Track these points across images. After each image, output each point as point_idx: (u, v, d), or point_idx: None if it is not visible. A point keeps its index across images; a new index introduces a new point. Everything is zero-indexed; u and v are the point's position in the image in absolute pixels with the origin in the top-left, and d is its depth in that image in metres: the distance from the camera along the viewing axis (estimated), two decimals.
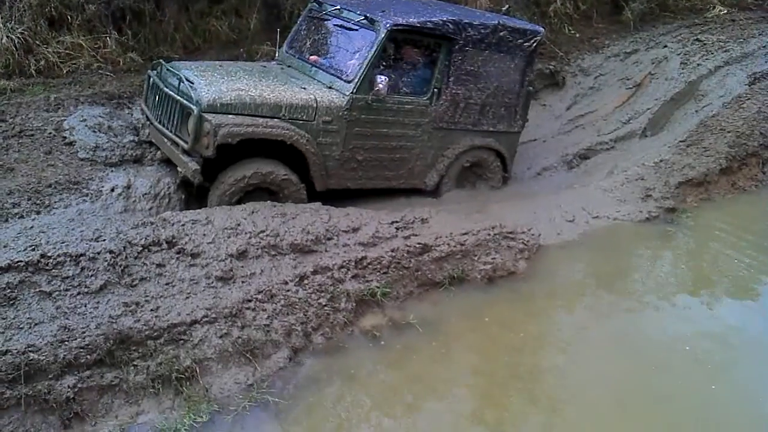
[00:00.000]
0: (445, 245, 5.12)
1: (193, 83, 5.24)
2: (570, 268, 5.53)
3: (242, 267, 4.50)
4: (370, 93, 5.67)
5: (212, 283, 4.32)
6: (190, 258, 4.42)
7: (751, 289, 5.62)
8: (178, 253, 4.42)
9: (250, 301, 4.26)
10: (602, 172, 6.96)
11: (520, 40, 6.43)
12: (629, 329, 5.01)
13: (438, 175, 6.45)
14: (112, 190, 5.42)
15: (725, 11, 10.54)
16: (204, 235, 4.60)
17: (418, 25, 5.83)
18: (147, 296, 4.07)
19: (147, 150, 6.01)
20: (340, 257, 4.78)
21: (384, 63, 5.89)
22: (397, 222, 5.29)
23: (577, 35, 9.56)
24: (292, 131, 5.39)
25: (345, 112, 5.63)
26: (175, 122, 5.34)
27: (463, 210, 5.97)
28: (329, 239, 4.94)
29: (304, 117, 5.47)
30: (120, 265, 4.16)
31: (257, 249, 4.65)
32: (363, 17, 5.85)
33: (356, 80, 5.65)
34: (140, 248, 4.31)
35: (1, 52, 6.84)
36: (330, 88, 5.71)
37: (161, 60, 5.86)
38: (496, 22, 6.28)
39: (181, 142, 5.26)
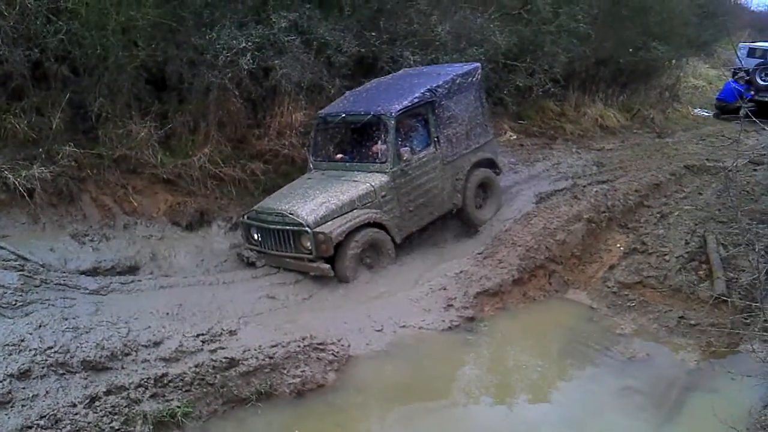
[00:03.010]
0: (254, 359, 5.01)
1: (293, 213, 7.13)
2: (379, 378, 5.59)
3: (23, 389, 4.11)
4: (401, 163, 7.80)
5: None
6: None
7: (544, 391, 6.01)
8: None
9: (30, 427, 3.91)
10: (409, 281, 7.25)
11: (470, 78, 8.76)
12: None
13: (462, 195, 8.60)
14: None
15: (515, 137, 11.84)
16: None
17: (410, 104, 7.94)
18: None
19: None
20: (138, 375, 4.52)
21: (400, 139, 7.96)
22: (203, 335, 5.12)
23: None
24: (372, 213, 7.49)
25: (392, 183, 7.77)
26: (291, 244, 7.21)
27: (271, 321, 5.89)
28: (127, 354, 4.67)
29: (371, 200, 7.57)
30: None
31: (43, 368, 4.28)
32: (370, 115, 7.86)
33: (390, 159, 7.77)
34: None
35: None
36: (371, 172, 7.77)
37: (253, 209, 7.71)
38: (453, 74, 8.54)
39: (304, 255, 7.12)
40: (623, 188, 9.02)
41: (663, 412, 5.23)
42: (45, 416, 3.95)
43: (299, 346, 5.33)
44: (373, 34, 10.28)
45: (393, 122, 7.70)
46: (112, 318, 4.99)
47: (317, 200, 7.32)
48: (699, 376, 5.73)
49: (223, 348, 5.03)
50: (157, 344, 4.84)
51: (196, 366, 4.72)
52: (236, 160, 9.05)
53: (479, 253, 7.44)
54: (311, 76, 9.60)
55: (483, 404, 5.78)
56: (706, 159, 11.29)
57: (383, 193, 7.67)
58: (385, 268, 7.55)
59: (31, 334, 4.44)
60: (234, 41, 8.79)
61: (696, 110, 18.74)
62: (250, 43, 8.87)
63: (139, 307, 6.27)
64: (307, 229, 7.01)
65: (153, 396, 4.41)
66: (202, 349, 4.95)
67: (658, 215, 8.29)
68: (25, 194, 7.05)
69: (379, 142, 7.92)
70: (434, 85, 8.26)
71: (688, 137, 14.62)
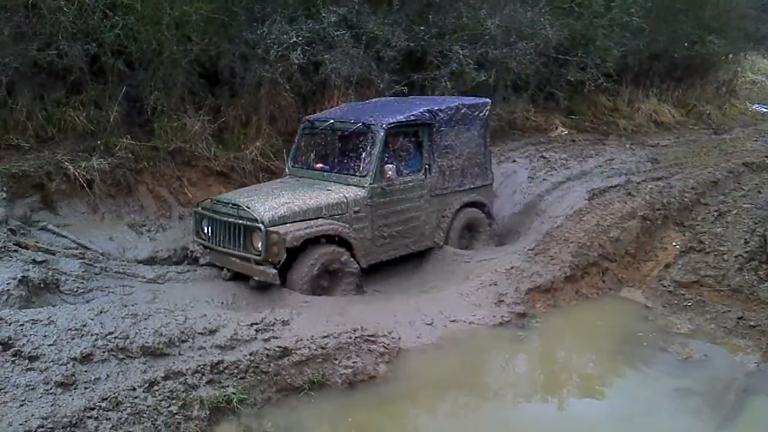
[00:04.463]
0: (306, 348, 5.02)
1: (249, 207, 6.38)
2: (430, 371, 5.57)
3: (86, 372, 4.20)
4: (382, 181, 7.04)
5: (51, 389, 3.99)
6: (27, 361, 4.10)
7: (595, 389, 5.93)
8: (14, 355, 4.09)
9: (93, 409, 3.95)
10: (459, 276, 7.22)
11: (476, 112, 8.03)
12: (489, 427, 5.09)
13: (443, 233, 7.82)
14: None
15: (566, 132, 11.68)
16: (45, 336, 4.29)
17: (405, 120, 7.30)
18: None
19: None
20: (194, 361, 4.57)
21: (387, 155, 7.23)
22: (257, 324, 5.16)
23: None
24: (337, 225, 6.69)
25: (368, 200, 7.00)
26: (241, 242, 6.45)
27: (325, 312, 5.94)
28: (184, 341, 4.73)
29: (340, 212, 6.79)
30: None
31: (104, 352, 4.37)
32: (360, 124, 7.18)
33: (371, 173, 7.01)
34: None
35: None
36: (348, 185, 7.03)
37: (209, 197, 7.05)
38: (457, 103, 7.91)
39: (252, 256, 6.34)
40: (679, 185, 8.79)
41: (720, 414, 5.08)
42: (106, 398, 4.03)
43: (350, 338, 5.34)
44: (422, 28, 10.26)
45: (382, 134, 7.04)
46: (169, 306, 5.10)
47: (280, 199, 6.65)
48: (759, 378, 5.57)
49: (276, 337, 5.06)
50: (212, 332, 4.90)
51: (250, 354, 4.76)
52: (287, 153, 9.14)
53: (530, 249, 7.36)
54: (360, 71, 9.67)
55: (533, 401, 5.73)
56: (766, 156, 10.93)
57: (356, 208, 6.92)
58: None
59: (92, 319, 4.55)
60: (285, 36, 8.91)
61: (754, 106, 18.19)
62: (300, 38, 8.98)
63: (195, 295, 6.40)
64: (260, 225, 6.26)
65: (209, 382, 4.47)
66: (255, 338, 4.99)
67: (715, 213, 8.05)
68: (84, 185, 7.27)
69: (363, 154, 7.19)
70: (435, 108, 7.62)
71: (747, 134, 14.15)
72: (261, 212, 6.34)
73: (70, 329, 4.39)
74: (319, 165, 7.66)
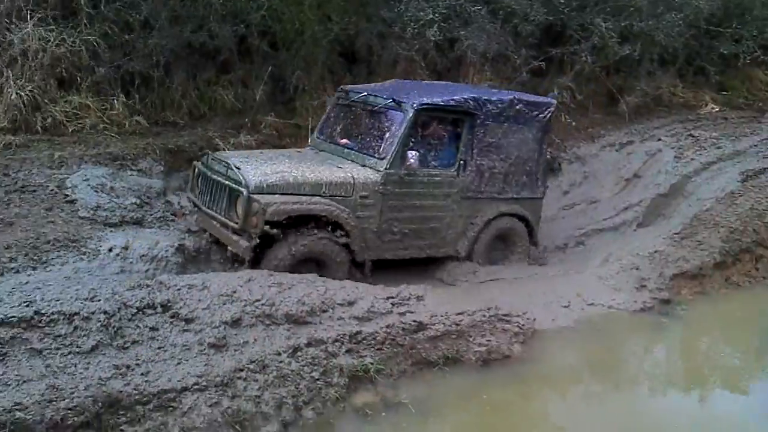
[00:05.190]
0: (441, 324, 5.08)
1: (239, 168, 5.63)
2: (565, 354, 5.49)
3: (236, 335, 4.45)
4: (402, 168, 6.05)
5: (204, 350, 4.26)
6: (183, 323, 4.38)
7: (741, 384, 5.60)
8: (172, 317, 4.38)
9: (242, 370, 4.19)
10: (597, 259, 6.98)
11: (535, 112, 6.86)
12: (622, 417, 4.95)
13: (469, 243, 6.69)
14: (110, 250, 5.40)
15: (717, 109, 10.90)
16: (199, 300, 4.57)
17: (442, 103, 6.31)
18: (138, 360, 4.01)
19: (147, 213, 6.03)
20: (334, 330, 4.73)
21: (413, 140, 6.27)
22: (393, 297, 5.26)
23: (574, 124, 9.78)
24: (333, 207, 5.74)
25: (380, 187, 6.00)
26: (224, 206, 5.71)
27: (459, 289, 5.96)
28: (324, 311, 4.90)
29: (343, 193, 5.85)
30: (113, 327, 4.12)
31: (252, 317, 4.60)
32: (390, 100, 6.28)
33: (389, 157, 6.02)
34: (135, 310, 4.28)
35: (9, 108, 6.94)
36: (364, 166, 6.10)
37: (208, 151, 6.31)
38: (512, 96, 6.76)
39: (231, 223, 5.60)
40: None
41: None
42: (254, 361, 4.27)
43: (484, 316, 5.34)
44: (562, 0, 9.89)
45: (411, 114, 6.08)
46: (310, 277, 5.28)
47: (276, 167, 5.81)
48: None
49: (412, 312, 5.14)
50: (351, 304, 5.04)
51: (386, 326, 4.87)
52: None
53: (676, 233, 6.99)
54: (497, 47, 9.48)
55: (672, 393, 5.55)
56: None
57: (364, 193, 5.95)
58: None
59: (241, 286, 4.81)
60: (421, 13, 8.90)
61: None
62: (436, 15, 8.93)
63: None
64: (243, 190, 5.45)
65: (348, 351, 4.62)
66: (391, 312, 5.09)
67: None
68: None
69: (387, 134, 6.24)
70: (483, 98, 6.54)
71: None
72: (249, 176, 5.55)
73: (221, 295, 4.66)
74: (344, 140, 6.69)
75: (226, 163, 5.76)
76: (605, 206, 8.30)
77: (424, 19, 8.83)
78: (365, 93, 6.64)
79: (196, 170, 6.19)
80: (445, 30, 9.07)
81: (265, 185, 5.53)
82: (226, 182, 5.68)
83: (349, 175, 5.93)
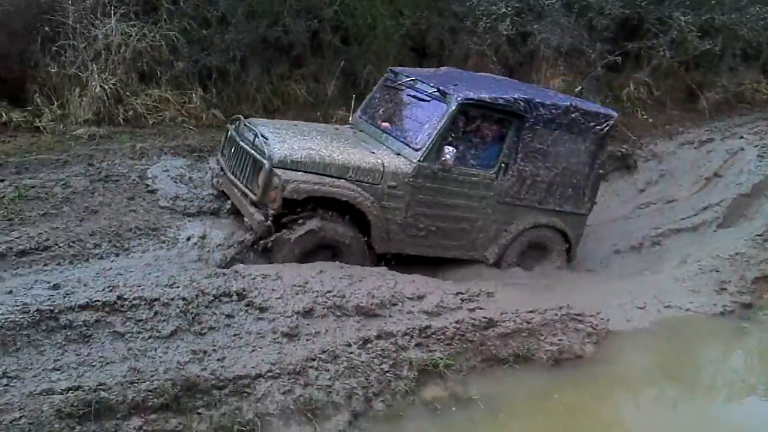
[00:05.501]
0: (511, 321, 5.03)
1: (267, 139, 5.47)
2: (639, 357, 5.35)
3: (308, 325, 4.51)
4: (437, 162, 5.76)
5: (278, 338, 4.34)
6: (258, 311, 4.48)
7: None
8: (247, 305, 4.48)
9: (313, 360, 4.25)
10: (674, 260, 6.77)
11: (591, 123, 6.40)
12: (696, 424, 4.86)
13: (499, 250, 6.36)
14: (188, 239, 5.56)
15: None
16: (273, 290, 4.66)
17: (489, 100, 5.94)
18: (214, 345, 4.12)
19: (224, 203, 6.17)
20: (404, 324, 4.75)
21: (453, 135, 5.93)
22: (462, 293, 5.25)
23: (650, 120, 9.51)
24: (357, 193, 5.50)
25: (410, 179, 5.72)
26: (247, 175, 5.57)
27: (530, 287, 5.87)
28: (394, 305, 4.93)
29: (371, 180, 5.59)
30: (191, 313, 4.24)
31: (323, 308, 4.67)
32: (435, 89, 6.02)
33: (424, 149, 5.74)
34: (212, 298, 4.40)
35: (93, 101, 7.24)
36: (398, 154, 5.83)
37: (240, 116, 6.12)
38: (569, 103, 6.33)
39: (250, 194, 5.47)
40: None
41: None
42: (325, 351, 4.32)
43: (556, 315, 5.26)
44: None
45: (454, 107, 5.77)
46: (380, 270, 5.31)
47: (306, 143, 5.61)
48: None
49: (482, 308, 5.11)
50: (420, 298, 5.05)
51: (456, 322, 4.85)
52: None
53: (758, 235, 6.70)
54: (571, 41, 9.34)
55: (750, 401, 5.35)
56: None
57: (393, 183, 5.67)
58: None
59: (313, 277, 4.88)
60: (494, 7, 8.89)
61: None
62: (509, 8, 8.89)
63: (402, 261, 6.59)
64: (266, 162, 5.29)
65: (417, 345, 4.62)
66: (461, 307, 5.07)
67: None
68: None
69: (427, 125, 5.93)
70: (536, 100, 6.16)
71: None
72: (275, 149, 5.37)
73: (294, 285, 4.74)
74: (385, 123, 6.36)
75: (255, 131, 5.62)
76: (683, 206, 8.00)
77: (497, 13, 8.80)
78: (413, 78, 6.42)
79: (228, 133, 6.08)
80: (518, 24, 9.00)
81: (289, 160, 5.33)
82: (252, 151, 5.54)
83: (379, 161, 5.66)
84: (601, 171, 6.77)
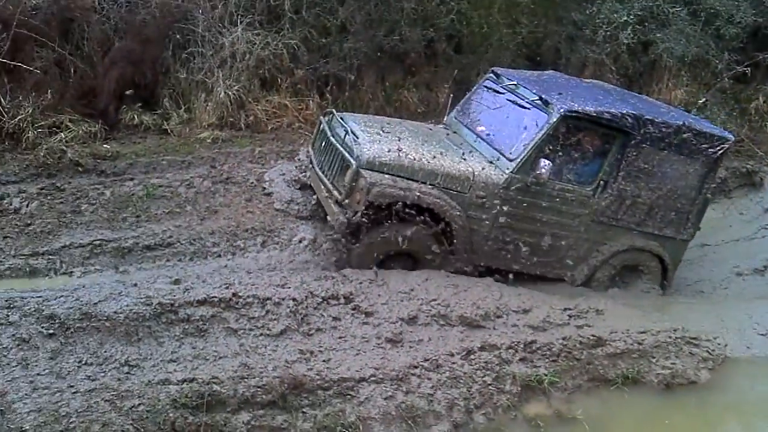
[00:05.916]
0: (621, 341, 4.87)
1: (357, 138, 5.37)
2: (758, 385, 5.04)
3: (411, 332, 4.57)
4: (530, 175, 5.46)
5: (382, 343, 4.42)
6: (364, 316, 4.58)
7: None
8: (353, 309, 4.60)
9: (416, 367, 4.28)
10: None
11: (704, 145, 5.92)
12: None
13: (588, 270, 6.01)
14: (300, 241, 5.76)
15: None
16: (379, 295, 4.75)
17: (594, 114, 5.56)
18: (321, 347, 4.26)
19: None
20: (508, 337, 4.70)
21: (551, 147, 5.59)
22: (570, 309, 5.15)
23: None
24: (444, 201, 5.29)
25: (501, 191, 5.45)
26: (334, 172, 5.48)
27: (641, 307, 5.64)
28: (498, 317, 4.90)
29: (459, 188, 5.36)
30: (300, 313, 4.41)
31: (427, 316, 4.71)
32: (538, 97, 5.70)
33: (519, 160, 5.46)
34: (320, 300, 4.55)
35: (218, 106, 7.64)
36: (490, 162, 5.58)
37: (333, 110, 6.08)
38: (681, 122, 5.87)
39: (335, 193, 5.35)
40: None
41: None
42: (428, 360, 4.34)
43: (670, 337, 5.04)
44: None
45: (555, 119, 5.42)
46: (486, 281, 5.28)
47: (395, 144, 5.39)
48: None
49: (590, 326, 4.98)
50: (525, 311, 4.99)
51: (563, 338, 4.75)
52: None
53: None
54: (696, 50, 8.92)
55: None
56: None
57: (482, 194, 5.40)
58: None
59: (419, 285, 4.94)
60: (615, 15, 8.66)
61: None
62: (631, 17, 8.62)
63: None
64: (353, 162, 5.14)
65: (522, 359, 4.56)
66: (568, 323, 4.98)
67: None
68: None
69: (525, 134, 5.58)
70: (645, 117, 5.70)
71: None
72: (364, 149, 5.22)
73: (400, 291, 4.81)
74: (481, 128, 6.04)
75: (346, 128, 5.48)
76: None
77: (618, 21, 8.55)
78: (516, 82, 6.06)
79: (320, 126, 5.96)
80: (640, 32, 8.69)
81: (377, 162, 5.17)
82: (341, 148, 5.41)
83: (470, 169, 5.40)
84: (709, 196, 6.26)
